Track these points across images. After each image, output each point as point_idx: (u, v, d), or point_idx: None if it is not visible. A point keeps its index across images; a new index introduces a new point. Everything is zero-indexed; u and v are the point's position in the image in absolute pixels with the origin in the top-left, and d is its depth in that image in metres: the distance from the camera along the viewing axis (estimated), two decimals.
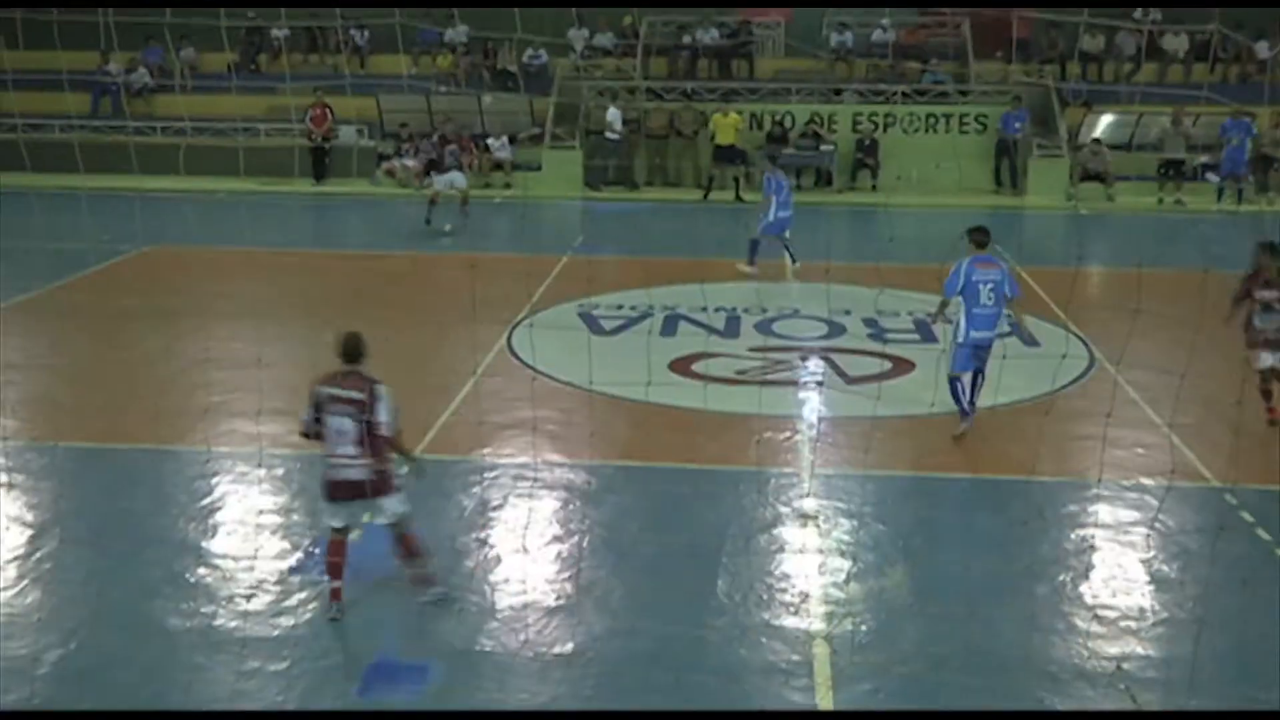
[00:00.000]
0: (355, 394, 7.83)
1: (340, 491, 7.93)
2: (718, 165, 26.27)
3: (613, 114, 26.86)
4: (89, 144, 27.59)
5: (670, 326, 15.30)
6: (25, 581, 8.39)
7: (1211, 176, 26.08)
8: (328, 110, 27.19)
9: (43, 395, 12.47)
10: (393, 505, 8.02)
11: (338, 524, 8.05)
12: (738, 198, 25.17)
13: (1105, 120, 27.41)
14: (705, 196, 25.94)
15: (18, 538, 8.87)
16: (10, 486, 8.76)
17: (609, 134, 26.87)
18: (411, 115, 27.84)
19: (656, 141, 27.39)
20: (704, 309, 15.91)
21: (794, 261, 18.25)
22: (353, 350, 7.99)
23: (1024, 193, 26.40)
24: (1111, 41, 29.37)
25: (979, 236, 11.47)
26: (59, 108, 28.36)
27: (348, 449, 7.84)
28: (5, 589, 8.28)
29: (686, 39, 29.93)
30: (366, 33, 30.75)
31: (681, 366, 13.51)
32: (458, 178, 22.48)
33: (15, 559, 8.65)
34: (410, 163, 26.81)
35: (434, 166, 26.48)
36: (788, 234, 18.33)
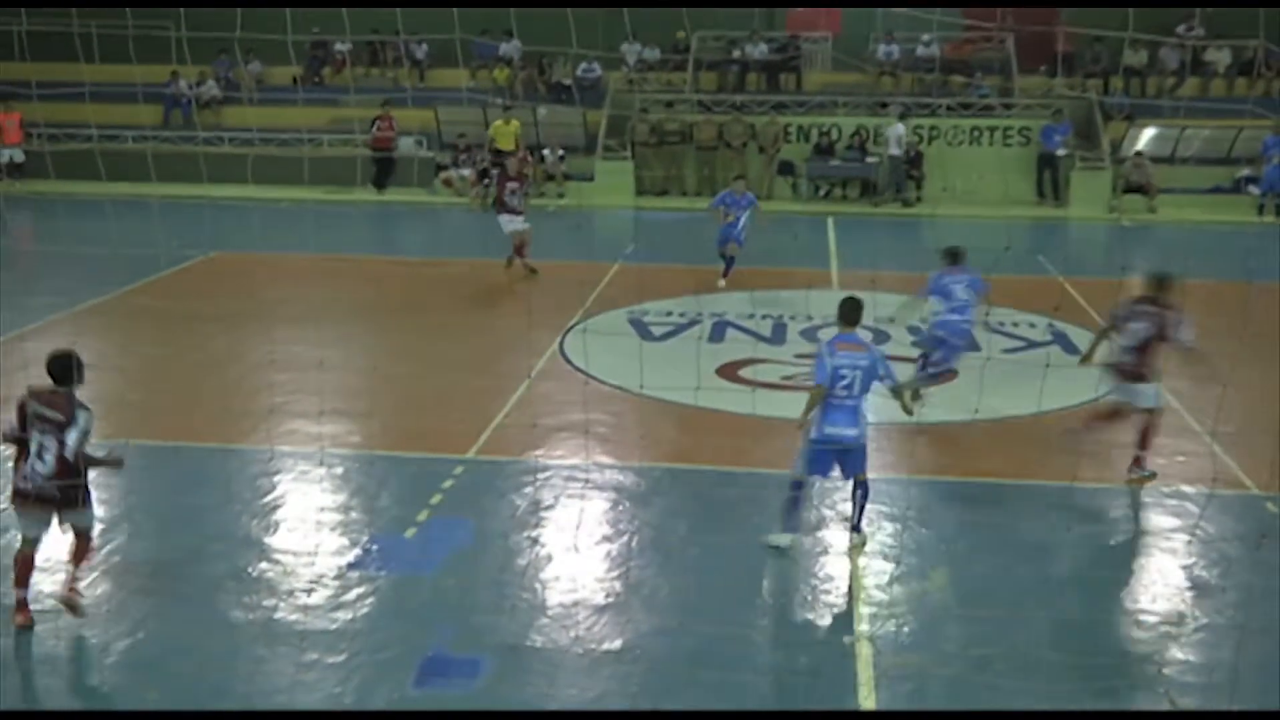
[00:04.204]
0: (58, 415, 7.75)
1: (30, 504, 7.80)
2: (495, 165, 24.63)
3: (897, 131, 26.07)
4: (160, 154, 27.91)
5: (718, 333, 15.26)
6: (95, 574, 8.47)
7: (1253, 189, 25.70)
8: (393, 121, 27.46)
9: (113, 395, 12.59)
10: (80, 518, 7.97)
11: (31, 534, 7.89)
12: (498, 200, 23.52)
13: (1148, 134, 27.05)
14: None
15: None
16: None
17: (893, 151, 26.16)
18: (468, 127, 27.99)
19: (705, 153, 27.34)
20: (751, 316, 15.86)
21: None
22: (61, 372, 7.87)
23: (1066, 204, 26.11)
24: (1155, 56, 29.01)
25: (848, 312, 9.17)
26: (132, 119, 28.75)
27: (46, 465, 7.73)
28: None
29: (735, 53, 29.90)
30: (425, 47, 30.97)
31: (729, 372, 13.47)
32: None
33: None
34: (466, 172, 26.97)
35: (487, 175, 26.45)
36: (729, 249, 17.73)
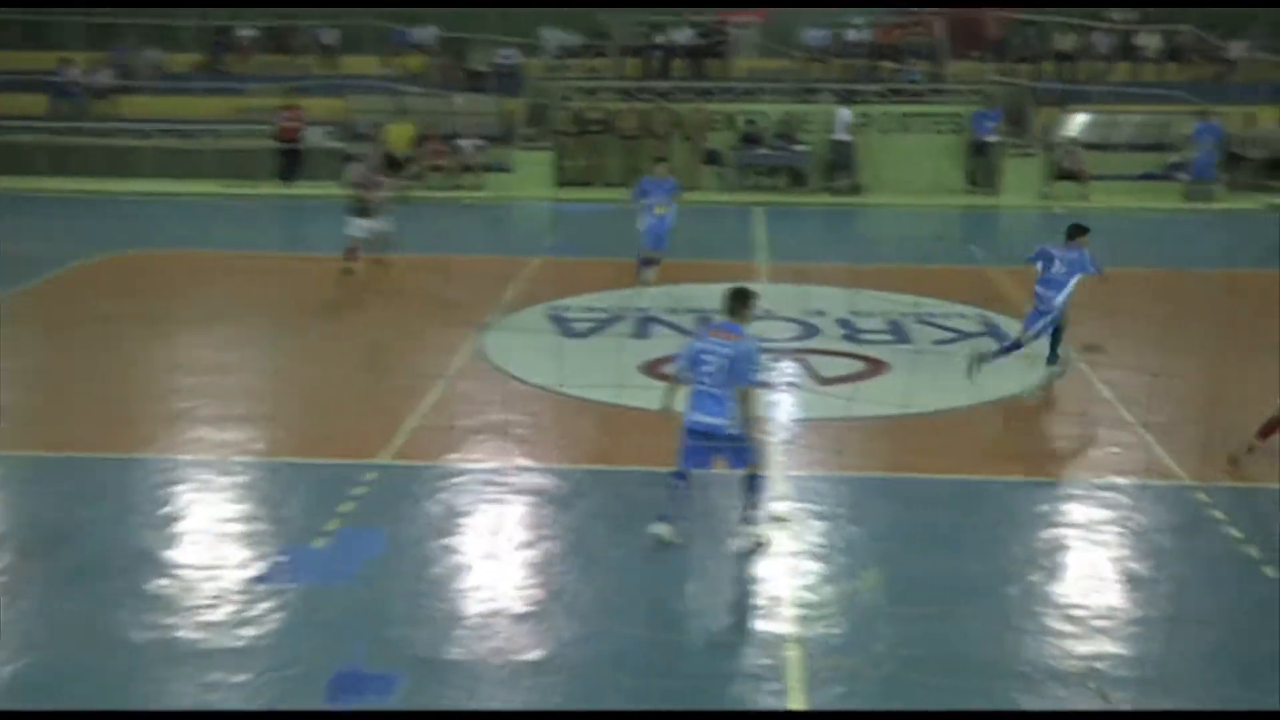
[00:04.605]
0: None
1: None
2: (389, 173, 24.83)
3: (844, 116, 26.25)
4: (51, 146, 27.42)
5: (642, 329, 15.29)
6: None
7: (1182, 176, 26.26)
8: (300, 111, 27.11)
9: None
10: None
11: None
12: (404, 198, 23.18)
13: (1079, 119, 27.55)
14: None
15: None
16: None
17: (839, 136, 26.31)
18: (382, 116, 27.74)
19: (629, 141, 27.36)
20: (675, 311, 15.90)
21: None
22: None
23: (998, 192, 26.48)
24: (1086, 40, 29.56)
25: (728, 300, 9.17)
26: (14, 108, 28.12)
27: None
28: None
29: (659, 38, 29.94)
30: (335, 33, 30.67)
31: (653, 368, 13.49)
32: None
33: None
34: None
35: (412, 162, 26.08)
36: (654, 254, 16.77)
